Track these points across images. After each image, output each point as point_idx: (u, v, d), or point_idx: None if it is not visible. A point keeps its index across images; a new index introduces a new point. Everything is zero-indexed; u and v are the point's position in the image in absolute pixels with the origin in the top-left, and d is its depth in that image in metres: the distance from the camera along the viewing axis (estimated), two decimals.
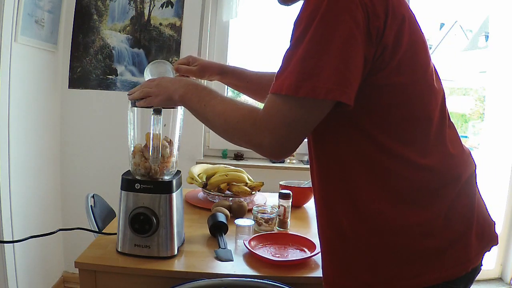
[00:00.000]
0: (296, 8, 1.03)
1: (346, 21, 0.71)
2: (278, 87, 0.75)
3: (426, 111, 0.81)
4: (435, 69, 0.87)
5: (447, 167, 0.83)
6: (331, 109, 0.76)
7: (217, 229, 1.22)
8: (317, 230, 0.93)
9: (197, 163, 2.19)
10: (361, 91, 0.75)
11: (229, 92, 2.45)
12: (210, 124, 0.90)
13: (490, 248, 0.88)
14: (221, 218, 1.25)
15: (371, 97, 0.77)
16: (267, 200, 1.63)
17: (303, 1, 0.77)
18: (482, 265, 0.86)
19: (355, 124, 0.80)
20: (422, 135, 0.81)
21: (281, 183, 1.65)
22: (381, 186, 0.80)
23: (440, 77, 0.88)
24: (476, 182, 0.89)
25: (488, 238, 0.87)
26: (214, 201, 1.56)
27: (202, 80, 1.24)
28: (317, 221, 0.92)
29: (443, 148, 0.83)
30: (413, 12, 0.83)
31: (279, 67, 0.77)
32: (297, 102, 0.74)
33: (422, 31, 0.85)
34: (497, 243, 0.89)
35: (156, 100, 0.99)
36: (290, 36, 0.78)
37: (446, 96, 0.90)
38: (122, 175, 1.09)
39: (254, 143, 0.79)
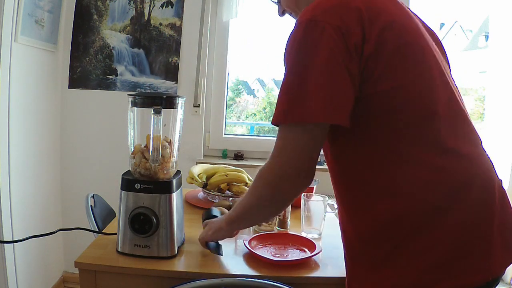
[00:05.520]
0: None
1: (323, 48, 0.76)
2: (273, 119, 0.82)
3: (428, 110, 0.81)
4: (448, 63, 0.87)
5: (460, 167, 0.81)
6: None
7: None
8: (342, 234, 0.95)
9: (197, 163, 2.19)
10: (358, 102, 0.78)
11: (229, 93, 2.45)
12: (250, 218, 1.00)
13: None
14: (215, 212, 1.25)
15: (367, 106, 0.80)
16: None
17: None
18: (504, 272, 0.84)
19: (363, 132, 0.82)
20: (431, 134, 0.80)
21: None
22: (397, 193, 0.80)
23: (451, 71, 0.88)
24: (495, 188, 0.85)
25: None
26: (214, 201, 1.56)
27: None
28: (341, 227, 0.94)
29: (456, 147, 0.82)
30: (411, 11, 0.82)
31: None
32: (289, 129, 0.80)
33: (422, 30, 0.85)
34: None
35: (210, 234, 1.08)
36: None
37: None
38: (122, 175, 1.09)
39: (285, 190, 0.86)
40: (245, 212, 0.96)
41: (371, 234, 0.83)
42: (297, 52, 0.79)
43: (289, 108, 0.78)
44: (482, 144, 0.89)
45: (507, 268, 0.83)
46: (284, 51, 0.82)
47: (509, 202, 0.87)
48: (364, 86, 0.78)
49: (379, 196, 0.82)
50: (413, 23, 0.84)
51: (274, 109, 0.84)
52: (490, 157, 0.89)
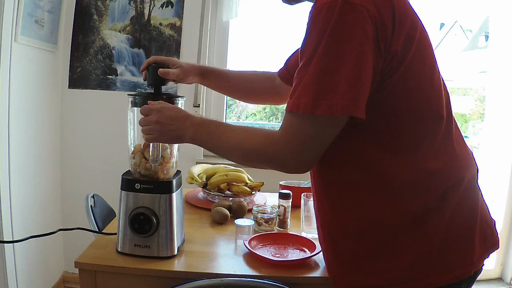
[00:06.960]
0: (298, 8, 1.02)
1: (357, 35, 0.71)
2: (294, 106, 0.75)
3: (435, 112, 0.81)
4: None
5: (452, 168, 0.83)
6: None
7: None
8: (321, 230, 0.93)
9: (197, 163, 2.19)
10: (370, 98, 0.75)
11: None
12: (227, 157, 0.93)
13: (493, 251, 0.88)
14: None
15: (378, 103, 0.77)
16: (267, 200, 1.63)
17: (310, 10, 0.76)
18: (483, 265, 0.86)
19: (362, 130, 0.80)
20: (431, 137, 0.81)
21: (281, 183, 1.65)
22: (387, 193, 0.80)
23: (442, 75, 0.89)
24: (478, 185, 0.89)
25: (490, 242, 0.87)
26: (214, 201, 1.56)
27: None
28: (321, 222, 0.93)
29: (450, 148, 0.83)
30: (415, 11, 0.82)
31: (293, 85, 0.77)
32: (314, 120, 0.75)
33: (426, 30, 0.85)
34: (498, 247, 0.90)
35: (163, 139, 0.99)
36: (300, 52, 0.77)
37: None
38: (122, 175, 1.09)
39: (278, 164, 0.82)
40: (223, 149, 0.91)
41: (358, 231, 0.83)
42: (330, 36, 0.71)
43: (319, 99, 0.72)
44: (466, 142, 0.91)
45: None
46: (309, 25, 0.75)
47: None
48: (380, 83, 0.76)
49: (370, 195, 0.81)
50: (421, 21, 0.83)
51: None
52: (473, 154, 0.91)
